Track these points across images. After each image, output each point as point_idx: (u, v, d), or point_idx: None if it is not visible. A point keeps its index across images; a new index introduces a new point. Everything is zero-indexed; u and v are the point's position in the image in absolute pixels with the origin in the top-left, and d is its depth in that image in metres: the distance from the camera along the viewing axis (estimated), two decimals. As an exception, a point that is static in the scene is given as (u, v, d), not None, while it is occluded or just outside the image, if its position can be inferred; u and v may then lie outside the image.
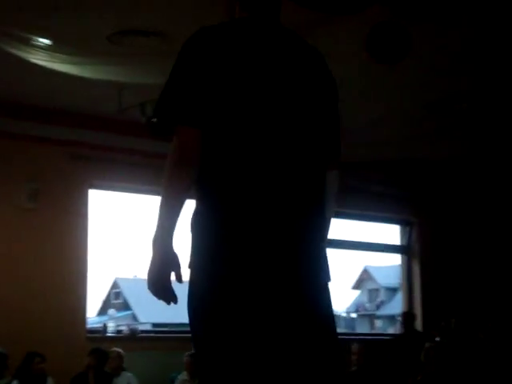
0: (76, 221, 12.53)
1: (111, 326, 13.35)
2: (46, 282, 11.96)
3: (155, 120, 3.36)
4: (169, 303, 3.31)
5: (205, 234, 3.27)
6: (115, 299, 23.88)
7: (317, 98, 3.42)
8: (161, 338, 13.78)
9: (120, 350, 11.68)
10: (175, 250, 3.23)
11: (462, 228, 15.32)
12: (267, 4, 3.47)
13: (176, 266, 3.22)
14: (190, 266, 3.30)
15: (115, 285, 24.45)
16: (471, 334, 11.05)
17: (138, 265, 23.38)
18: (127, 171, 12.63)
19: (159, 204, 3.24)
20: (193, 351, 11.29)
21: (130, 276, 24.71)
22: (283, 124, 3.29)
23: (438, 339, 11.36)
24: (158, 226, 3.23)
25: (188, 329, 10.42)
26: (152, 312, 17.52)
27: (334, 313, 3.50)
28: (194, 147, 3.21)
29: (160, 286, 3.22)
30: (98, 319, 14.14)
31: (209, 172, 3.25)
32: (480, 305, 14.00)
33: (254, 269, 3.18)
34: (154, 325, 14.20)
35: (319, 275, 3.36)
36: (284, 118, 3.29)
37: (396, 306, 18.53)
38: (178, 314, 16.63)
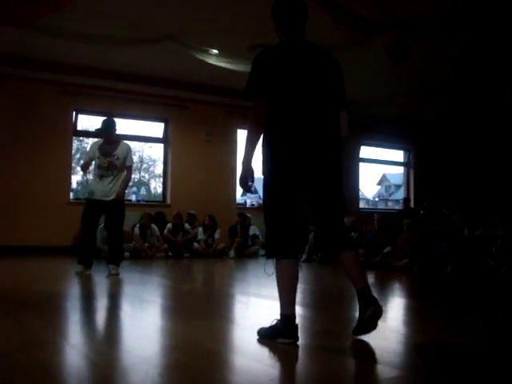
0: (230, 146, 12.91)
1: (248, 202, 13.60)
2: (215, 179, 12.51)
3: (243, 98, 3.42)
4: (247, 192, 3.57)
5: (267, 152, 3.40)
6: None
7: (328, 77, 3.44)
8: None
9: (250, 215, 11.93)
10: (252, 167, 3.39)
11: (438, 153, 15.18)
12: (297, 32, 3.44)
13: (251, 175, 3.40)
14: (262, 171, 3.47)
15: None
16: (439, 209, 10.93)
17: (260, 168, 23.94)
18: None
19: (245, 142, 3.38)
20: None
21: (257, 175, 25.03)
22: (310, 94, 3.36)
23: (421, 212, 11.25)
24: (245, 154, 3.37)
25: None
26: None
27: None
28: (263, 111, 3.31)
29: (243, 185, 3.43)
30: (241, 198, 14.31)
31: (269, 123, 3.33)
32: (447, 195, 13.87)
33: (290, 161, 3.32)
34: None
35: (333, 164, 3.43)
36: (310, 92, 3.37)
37: (400, 195, 18.28)
38: None
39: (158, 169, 14.04)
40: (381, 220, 9.97)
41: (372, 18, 7.86)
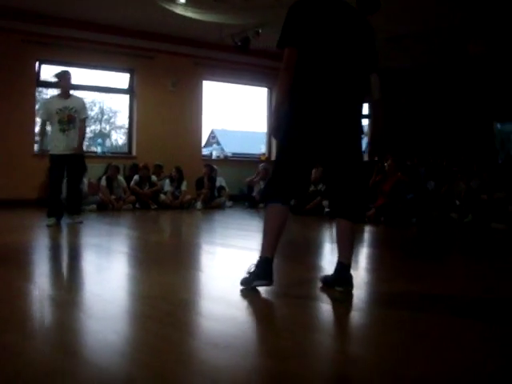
0: (196, 97, 12.80)
1: (214, 154, 13.46)
2: (181, 130, 12.44)
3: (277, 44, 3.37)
4: (278, 140, 3.48)
5: (292, 100, 3.35)
6: (212, 139, 24.29)
7: (360, 38, 3.41)
8: (237, 160, 13.68)
9: (216, 166, 11.99)
10: (282, 115, 3.37)
11: (401, 105, 15.14)
12: None
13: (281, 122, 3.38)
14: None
15: (212, 132, 24.88)
16: (402, 161, 10.85)
17: (223, 122, 23.92)
18: (219, 71, 12.83)
19: (277, 91, 3.42)
20: (261, 166, 11.23)
21: (220, 127, 25.12)
22: (340, 51, 3.34)
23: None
24: (277, 101, 3.39)
25: (249, 156, 10.25)
26: (231, 147, 17.44)
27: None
28: (294, 58, 3.30)
29: (276, 134, 3.43)
30: (206, 150, 14.23)
31: (297, 74, 3.31)
32: (410, 148, 13.97)
33: (310, 116, 3.31)
34: (233, 153, 14.10)
35: (353, 127, 3.43)
36: (340, 48, 3.34)
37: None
38: (246, 148, 16.25)
39: (119, 120, 13.87)
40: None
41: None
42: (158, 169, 11.35)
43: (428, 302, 3.25)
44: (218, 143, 26.49)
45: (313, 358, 2.31)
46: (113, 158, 11.59)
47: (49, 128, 7.61)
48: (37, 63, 10.94)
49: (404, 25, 10.53)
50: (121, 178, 10.63)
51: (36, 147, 11.07)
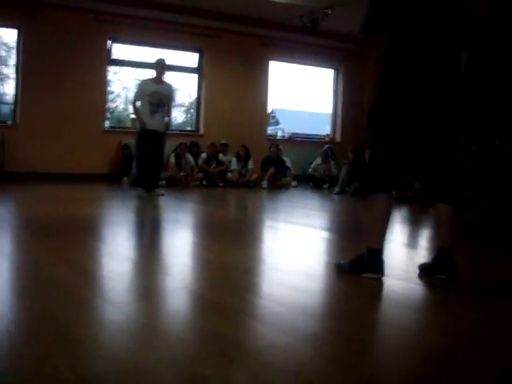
0: (262, 77, 12.84)
1: (279, 133, 13.47)
2: (247, 110, 12.48)
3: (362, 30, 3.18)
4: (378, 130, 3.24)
5: (384, 94, 3.16)
6: (272, 119, 24.32)
7: (450, 14, 3.13)
8: (301, 140, 13.64)
9: (281, 146, 12.03)
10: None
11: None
12: None
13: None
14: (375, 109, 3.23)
15: (272, 111, 24.92)
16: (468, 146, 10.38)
17: (283, 101, 23.70)
18: (286, 52, 12.83)
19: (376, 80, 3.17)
20: (326, 147, 11.18)
21: (279, 107, 25.10)
22: (433, 35, 3.09)
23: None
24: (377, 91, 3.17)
25: (313, 137, 10.08)
26: (291, 127, 17.37)
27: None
28: (384, 47, 3.07)
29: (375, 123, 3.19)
30: (271, 129, 14.23)
31: (389, 64, 3.10)
32: (475, 132, 13.58)
33: (410, 107, 3.11)
34: (292, 133, 13.95)
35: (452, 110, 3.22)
36: (433, 33, 3.08)
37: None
38: (305, 128, 15.96)
39: (179, 98, 13.93)
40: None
41: None
42: (225, 147, 11.46)
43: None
44: (278, 122, 26.23)
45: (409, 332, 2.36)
46: (180, 135, 11.71)
47: (138, 104, 8.16)
48: (109, 42, 11.17)
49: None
50: (189, 155, 10.79)
51: (107, 124, 11.42)
